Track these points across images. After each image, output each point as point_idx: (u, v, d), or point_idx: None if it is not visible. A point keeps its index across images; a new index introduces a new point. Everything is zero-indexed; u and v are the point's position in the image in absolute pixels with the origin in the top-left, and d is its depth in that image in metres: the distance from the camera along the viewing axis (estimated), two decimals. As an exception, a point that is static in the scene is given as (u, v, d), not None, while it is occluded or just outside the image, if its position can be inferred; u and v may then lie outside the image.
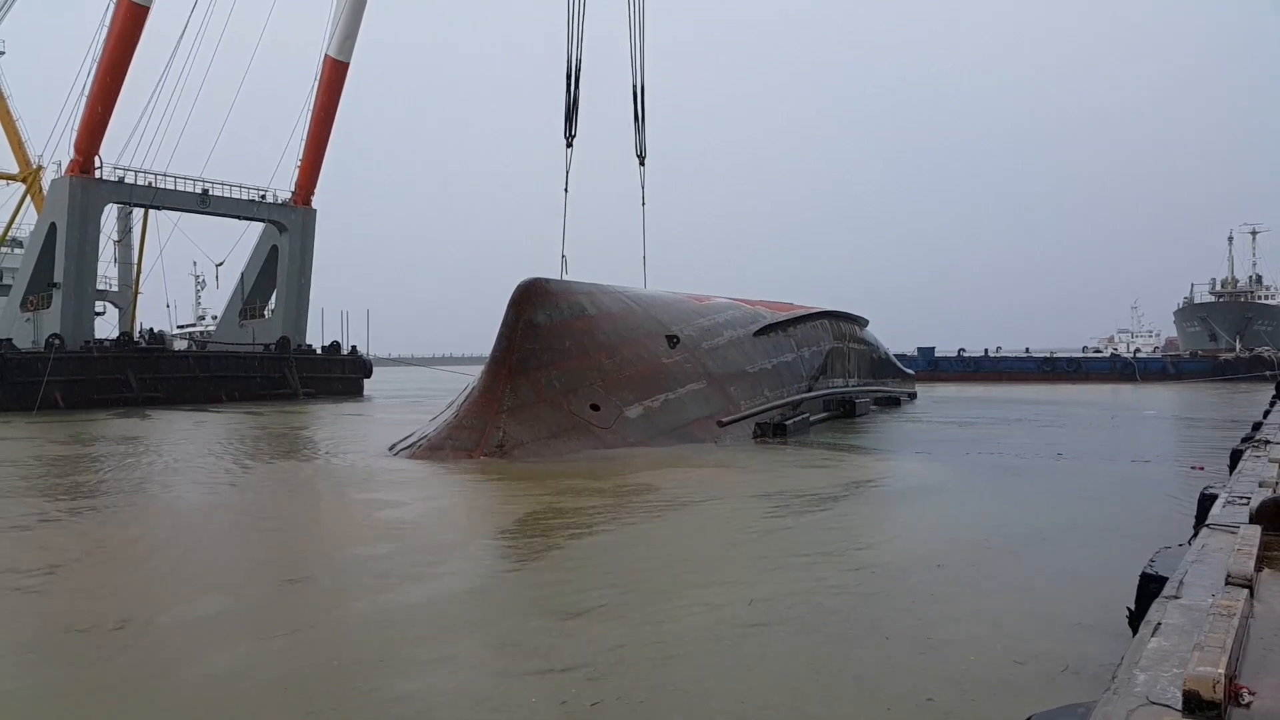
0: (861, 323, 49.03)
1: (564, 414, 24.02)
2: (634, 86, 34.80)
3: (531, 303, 25.78)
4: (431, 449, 23.50)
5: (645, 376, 26.84)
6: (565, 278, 29.72)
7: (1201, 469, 19.07)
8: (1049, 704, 4.71)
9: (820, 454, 24.84)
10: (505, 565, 12.01)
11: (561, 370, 25.03)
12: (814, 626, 8.66)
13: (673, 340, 29.28)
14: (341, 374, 63.19)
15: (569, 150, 33.04)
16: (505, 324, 25.47)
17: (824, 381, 38.37)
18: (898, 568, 11.12)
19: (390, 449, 24.93)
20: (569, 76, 32.48)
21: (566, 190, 32.95)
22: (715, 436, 26.48)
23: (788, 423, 29.45)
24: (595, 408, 24.57)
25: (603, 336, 26.99)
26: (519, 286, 26.07)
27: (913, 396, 52.31)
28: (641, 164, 36.15)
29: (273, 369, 58.53)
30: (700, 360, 29.61)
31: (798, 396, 33.76)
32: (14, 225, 65.24)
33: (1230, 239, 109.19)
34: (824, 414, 35.48)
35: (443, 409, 27.70)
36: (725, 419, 27.70)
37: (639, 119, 35.37)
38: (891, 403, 46.74)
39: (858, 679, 7.26)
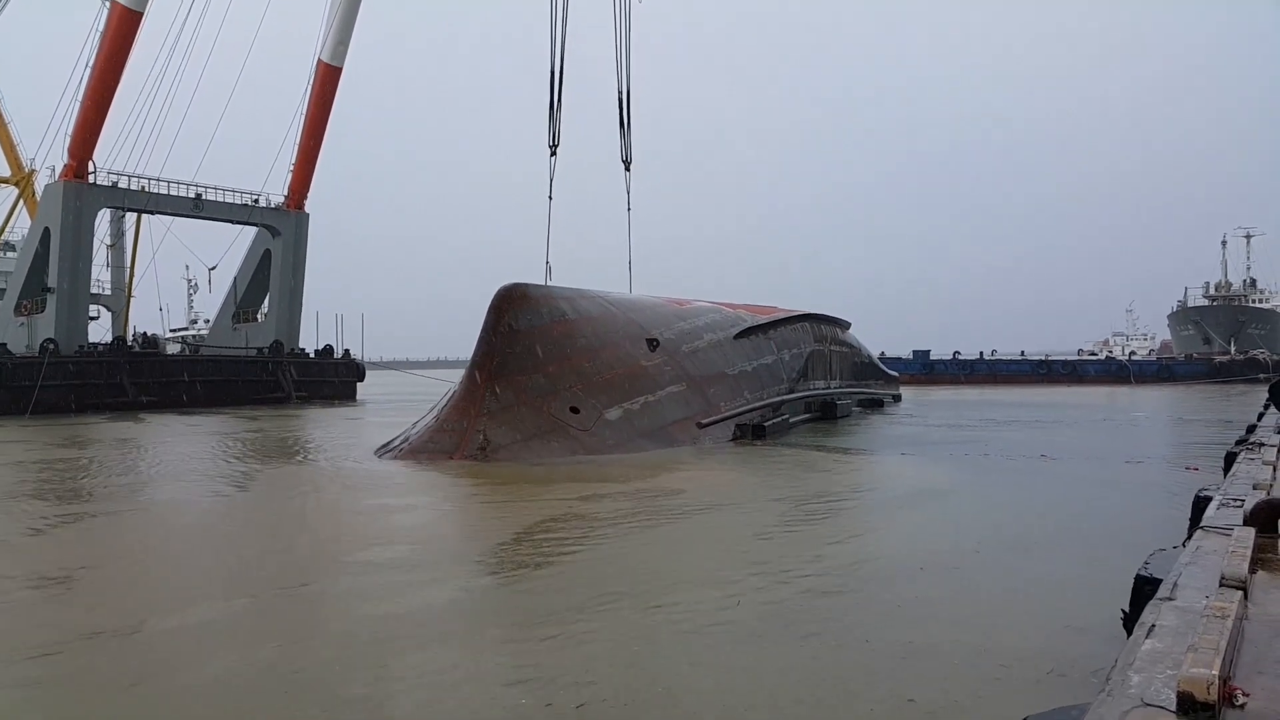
0: (844, 325, 49.06)
1: (544, 417, 24.03)
2: (619, 92, 34.88)
3: (511, 307, 25.84)
4: (413, 452, 23.52)
5: (625, 379, 26.86)
6: (549, 283, 29.78)
7: (1196, 470, 19.02)
8: (1032, 706, 4.67)
9: (799, 456, 24.77)
10: (490, 572, 11.87)
11: (541, 374, 25.05)
12: (798, 629, 8.59)
13: (653, 343, 29.27)
14: (334, 378, 63.13)
15: (553, 158, 32.93)
16: (485, 328, 25.55)
17: (805, 384, 38.41)
18: (880, 571, 11.02)
19: (376, 452, 24.86)
20: (552, 85, 32.35)
21: (551, 198, 32.81)
22: (694, 438, 26.53)
23: (767, 424, 29.52)
24: (575, 410, 24.58)
25: (582, 340, 27.01)
26: (498, 292, 26.19)
27: (896, 398, 52.35)
28: (627, 169, 36.25)
29: (266, 373, 58.42)
30: (680, 363, 29.63)
31: (778, 398, 33.83)
32: (7, 229, 65.22)
33: (1224, 242, 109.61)
34: (805, 416, 35.54)
35: (425, 413, 27.70)
36: (705, 421, 27.76)
37: (624, 125, 35.44)
38: (874, 404, 46.86)
39: (840, 680, 7.22)
